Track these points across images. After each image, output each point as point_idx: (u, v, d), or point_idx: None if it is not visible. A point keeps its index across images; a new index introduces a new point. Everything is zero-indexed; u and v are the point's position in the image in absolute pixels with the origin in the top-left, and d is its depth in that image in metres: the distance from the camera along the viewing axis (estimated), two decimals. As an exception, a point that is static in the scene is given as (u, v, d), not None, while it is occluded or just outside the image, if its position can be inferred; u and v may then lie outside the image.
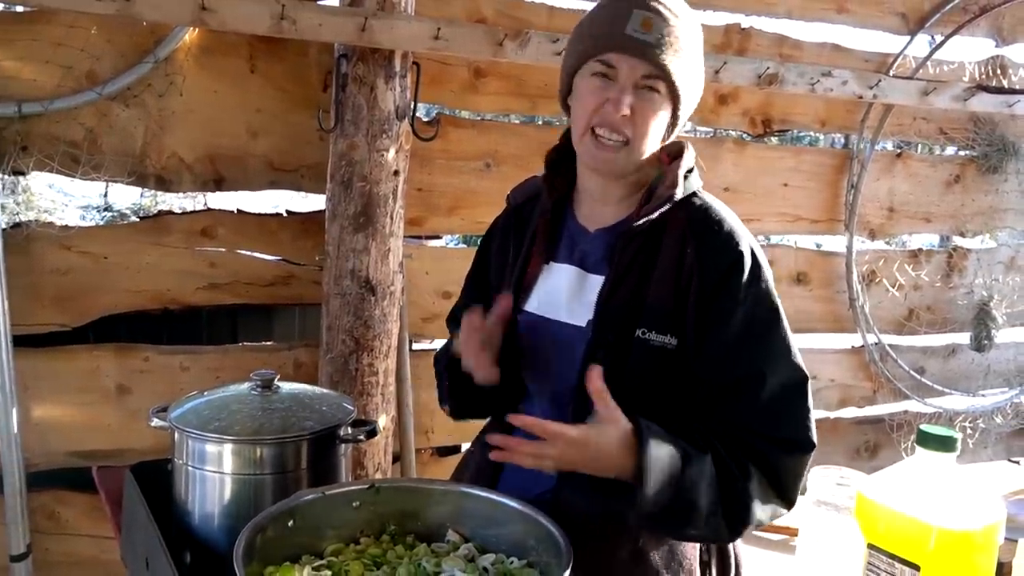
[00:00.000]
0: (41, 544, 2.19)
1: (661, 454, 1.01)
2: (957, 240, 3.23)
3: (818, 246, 3.13)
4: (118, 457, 2.15)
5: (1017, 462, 1.77)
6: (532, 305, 1.22)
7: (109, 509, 1.47)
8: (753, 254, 1.11)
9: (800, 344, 1.12)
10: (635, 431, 1.02)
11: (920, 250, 3.17)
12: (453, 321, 1.38)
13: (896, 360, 3.06)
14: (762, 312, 1.10)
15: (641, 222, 1.11)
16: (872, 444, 3.16)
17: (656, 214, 1.12)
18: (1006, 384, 3.29)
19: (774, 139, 2.96)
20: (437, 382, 1.35)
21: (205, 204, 2.40)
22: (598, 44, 1.11)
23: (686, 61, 1.11)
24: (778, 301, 1.12)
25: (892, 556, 0.99)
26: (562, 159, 1.24)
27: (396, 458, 2.41)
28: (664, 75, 1.09)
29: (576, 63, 1.14)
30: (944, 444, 0.98)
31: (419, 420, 2.47)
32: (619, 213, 1.19)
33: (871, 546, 1.02)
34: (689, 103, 1.16)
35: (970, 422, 3.17)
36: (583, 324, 1.15)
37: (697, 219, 1.13)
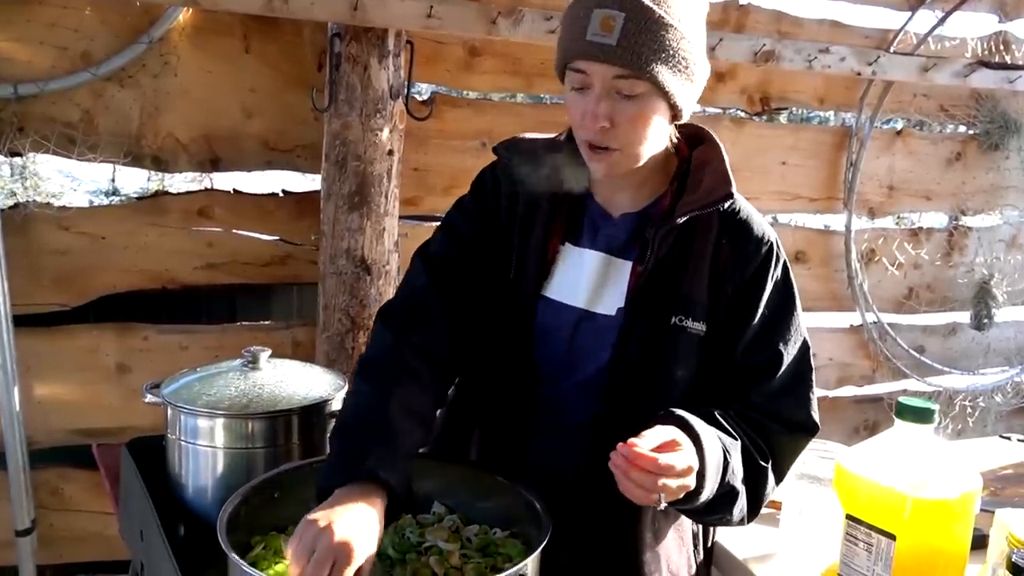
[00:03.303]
0: (45, 520, 2.23)
1: (714, 451, 1.01)
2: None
3: (826, 227, 3.10)
4: (119, 434, 2.16)
5: (1008, 438, 1.77)
6: (551, 291, 1.17)
7: (108, 484, 1.50)
8: (778, 243, 1.17)
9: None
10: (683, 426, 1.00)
11: (920, 228, 3.15)
12: (421, 256, 1.23)
13: (895, 339, 3.05)
14: (786, 301, 1.16)
15: (686, 217, 1.10)
16: (871, 423, 3.15)
17: (705, 211, 1.10)
18: (1006, 363, 3.27)
19: (781, 118, 2.93)
20: None
21: (209, 187, 2.41)
22: (566, 53, 1.06)
23: (668, 46, 1.01)
24: (796, 289, 1.18)
25: (869, 526, 1.00)
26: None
27: (394, 436, 2.43)
28: (639, 74, 1.00)
29: (559, 70, 1.10)
30: (921, 416, 0.99)
31: (417, 399, 2.48)
32: (642, 197, 1.16)
33: (849, 516, 1.03)
34: (685, 90, 1.06)
35: (970, 401, 3.17)
36: (612, 312, 1.14)
37: (726, 209, 1.14)
